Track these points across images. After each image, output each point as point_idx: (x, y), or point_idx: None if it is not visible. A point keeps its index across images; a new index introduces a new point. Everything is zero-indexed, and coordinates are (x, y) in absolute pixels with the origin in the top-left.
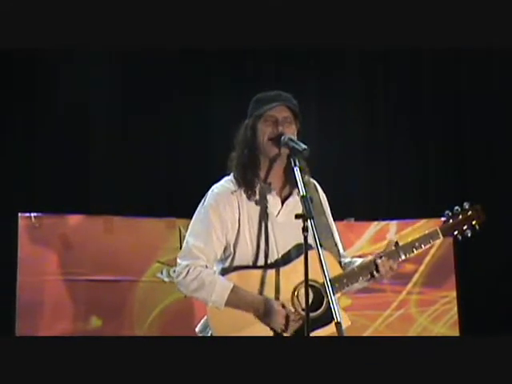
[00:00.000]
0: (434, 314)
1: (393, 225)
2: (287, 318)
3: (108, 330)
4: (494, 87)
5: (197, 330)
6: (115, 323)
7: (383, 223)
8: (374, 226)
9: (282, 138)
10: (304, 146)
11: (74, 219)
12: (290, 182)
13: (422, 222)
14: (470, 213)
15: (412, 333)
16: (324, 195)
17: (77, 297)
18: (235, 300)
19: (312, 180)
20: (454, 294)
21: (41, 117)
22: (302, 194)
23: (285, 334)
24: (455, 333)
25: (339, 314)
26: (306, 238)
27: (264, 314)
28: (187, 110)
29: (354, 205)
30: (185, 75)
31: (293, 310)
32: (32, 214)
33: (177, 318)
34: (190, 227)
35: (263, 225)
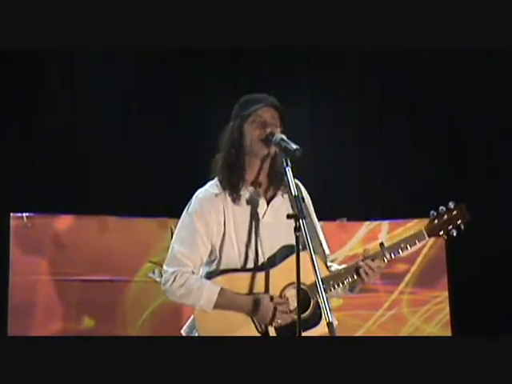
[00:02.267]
0: (426, 314)
1: (385, 225)
2: (275, 309)
3: (100, 330)
4: (493, 87)
5: (182, 331)
6: (107, 323)
7: (375, 223)
8: (366, 226)
9: (274, 137)
10: (296, 146)
11: (67, 219)
12: (274, 182)
13: (414, 221)
14: (454, 212)
15: (404, 333)
16: (308, 195)
17: (69, 297)
18: (223, 302)
19: (296, 180)
20: (446, 294)
21: (37, 116)
22: (294, 194)
23: (272, 326)
24: (447, 333)
25: (331, 314)
26: (297, 238)
27: (252, 308)
28: (184, 111)
29: (346, 205)
30: (185, 75)
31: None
32: (24, 214)
33: (169, 317)
34: (174, 234)
35: (249, 227)
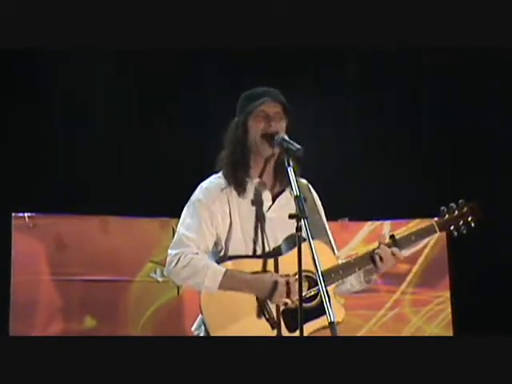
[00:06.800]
0: (428, 314)
1: (387, 224)
2: (288, 286)
3: (102, 330)
4: (493, 87)
5: (192, 328)
6: (109, 323)
7: (377, 223)
8: (368, 226)
9: (276, 137)
10: (298, 146)
11: (69, 219)
12: (280, 178)
13: (416, 221)
14: (465, 209)
15: (406, 333)
16: (317, 196)
17: (71, 297)
18: (230, 282)
19: (303, 180)
20: (447, 294)
21: (38, 116)
22: (296, 194)
23: (285, 305)
24: (449, 333)
25: (332, 312)
26: (299, 238)
27: (264, 288)
28: (185, 110)
29: (348, 205)
30: (184, 75)
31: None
32: (26, 214)
33: (170, 317)
34: (180, 221)
35: (254, 220)
